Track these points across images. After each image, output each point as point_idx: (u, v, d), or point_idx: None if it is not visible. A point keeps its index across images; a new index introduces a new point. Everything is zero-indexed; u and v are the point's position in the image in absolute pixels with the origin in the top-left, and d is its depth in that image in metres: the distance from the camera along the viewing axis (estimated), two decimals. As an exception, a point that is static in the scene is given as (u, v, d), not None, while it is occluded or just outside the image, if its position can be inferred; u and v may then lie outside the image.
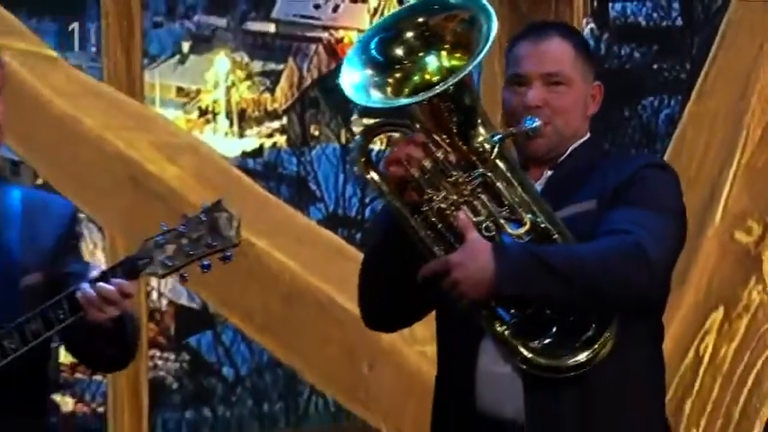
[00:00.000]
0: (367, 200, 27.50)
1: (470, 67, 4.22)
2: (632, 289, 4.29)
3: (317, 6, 37.24)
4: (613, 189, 4.38)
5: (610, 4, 15.19)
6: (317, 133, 30.35)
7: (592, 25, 9.59)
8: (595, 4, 11.68)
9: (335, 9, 36.62)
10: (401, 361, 6.36)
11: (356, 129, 29.93)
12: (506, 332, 4.26)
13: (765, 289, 6.57)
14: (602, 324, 4.27)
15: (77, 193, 8.58)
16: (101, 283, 4.14)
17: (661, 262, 4.32)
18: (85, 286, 4.14)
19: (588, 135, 4.60)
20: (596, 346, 4.26)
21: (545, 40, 4.55)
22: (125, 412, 10.11)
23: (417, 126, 4.32)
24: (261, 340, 7.58)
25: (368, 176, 4.37)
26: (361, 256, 7.26)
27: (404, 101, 4.27)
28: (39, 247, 4.32)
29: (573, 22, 10.21)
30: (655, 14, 23.94)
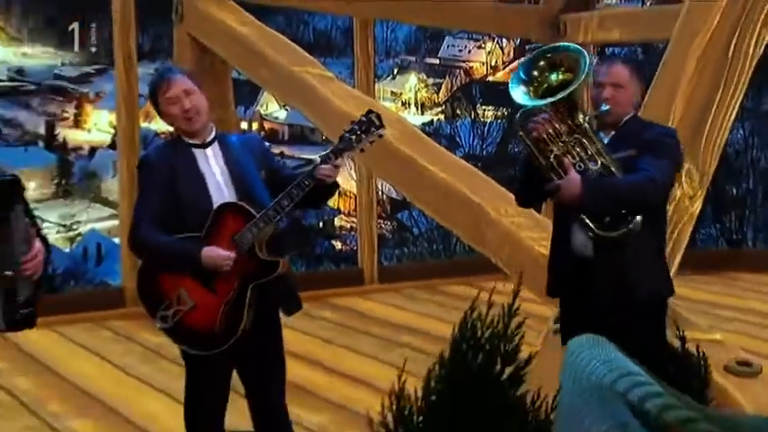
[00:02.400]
0: (484, 144, 27.44)
1: (575, 86, 4.25)
2: (649, 199, 4.34)
3: (459, 51, 37.03)
4: (645, 143, 4.37)
5: (606, 49, 14.96)
6: (459, 113, 30.21)
7: (596, 59, 9.32)
8: (597, 48, 11.37)
9: (469, 51, 36.43)
10: (500, 226, 6.27)
11: (480, 112, 29.87)
12: (584, 217, 4.29)
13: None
14: (633, 214, 4.28)
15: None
16: (326, 162, 4.17)
17: (663, 183, 4.37)
18: (315, 168, 4.16)
19: (633, 113, 4.53)
20: (632, 225, 4.28)
21: (614, 64, 4.56)
22: (366, 250, 10.08)
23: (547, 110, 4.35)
24: (431, 214, 7.52)
25: (521, 135, 4.39)
26: (481, 176, 7.24)
27: (543, 101, 4.31)
28: (256, 157, 4.28)
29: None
30: (629, 54, 23.67)
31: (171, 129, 4.35)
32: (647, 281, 4.43)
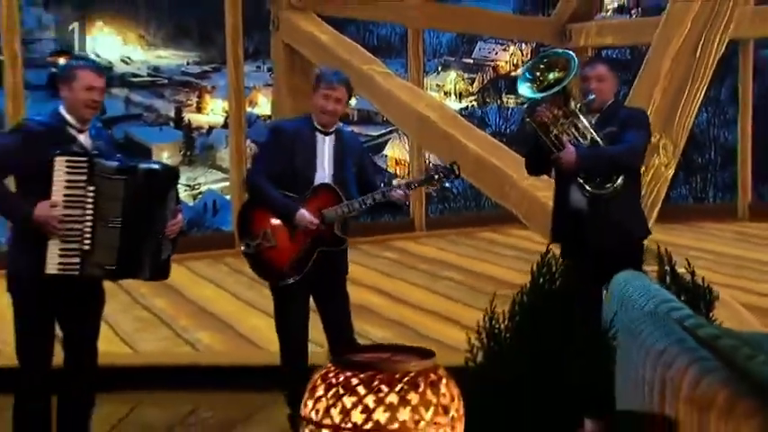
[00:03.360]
0: (508, 125, 27.26)
1: (567, 81, 4.21)
2: (631, 162, 4.32)
3: (489, 52, 36.49)
4: (623, 121, 4.34)
5: (602, 51, 14.71)
6: (489, 101, 29.92)
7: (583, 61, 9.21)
8: (594, 51, 11.21)
9: (496, 53, 35.88)
10: (520, 187, 6.24)
11: (505, 100, 29.62)
12: (580, 179, 4.26)
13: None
14: (618, 174, 4.25)
15: (400, 124, 8.56)
16: (400, 189, 4.20)
17: (640, 149, 4.36)
18: (393, 189, 4.19)
19: (613, 99, 4.45)
20: (619, 182, 4.25)
21: (597, 64, 4.49)
22: (416, 205, 10.02)
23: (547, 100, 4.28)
24: (466, 177, 7.43)
25: (528, 120, 4.34)
26: (505, 148, 7.16)
27: (542, 94, 4.25)
28: (355, 154, 4.27)
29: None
30: (620, 55, 23.25)
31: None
32: (629, 227, 4.39)
